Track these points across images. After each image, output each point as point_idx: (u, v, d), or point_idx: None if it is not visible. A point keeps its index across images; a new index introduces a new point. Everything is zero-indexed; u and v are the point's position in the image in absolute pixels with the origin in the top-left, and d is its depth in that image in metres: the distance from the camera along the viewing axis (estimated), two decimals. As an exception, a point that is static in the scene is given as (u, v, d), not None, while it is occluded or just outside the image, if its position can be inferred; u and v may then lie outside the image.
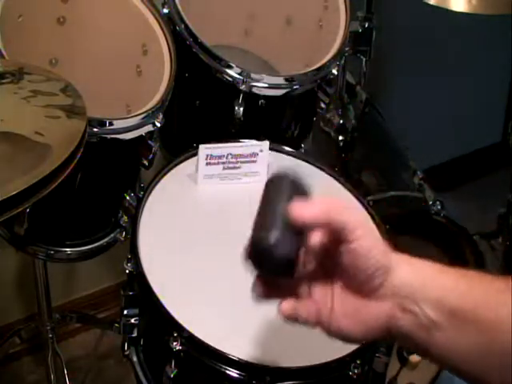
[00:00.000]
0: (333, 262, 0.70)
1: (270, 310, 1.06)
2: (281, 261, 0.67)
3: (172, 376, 1.04)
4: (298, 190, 0.70)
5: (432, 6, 1.22)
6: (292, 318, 0.71)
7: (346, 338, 0.72)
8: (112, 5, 1.31)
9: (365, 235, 0.68)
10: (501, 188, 1.58)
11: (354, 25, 1.44)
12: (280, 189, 0.70)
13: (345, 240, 0.67)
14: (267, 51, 1.52)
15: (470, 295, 0.68)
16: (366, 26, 1.46)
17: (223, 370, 0.99)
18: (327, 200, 0.68)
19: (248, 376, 0.99)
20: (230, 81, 1.26)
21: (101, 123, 1.13)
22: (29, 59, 1.13)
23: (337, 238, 0.68)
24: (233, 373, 0.99)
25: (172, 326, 1.01)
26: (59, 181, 0.89)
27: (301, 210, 0.67)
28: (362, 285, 0.69)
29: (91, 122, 1.08)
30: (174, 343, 1.00)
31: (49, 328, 1.57)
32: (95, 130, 1.12)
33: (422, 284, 0.69)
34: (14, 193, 0.83)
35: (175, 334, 1.01)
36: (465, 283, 0.69)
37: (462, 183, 2.26)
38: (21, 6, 1.21)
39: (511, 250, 1.58)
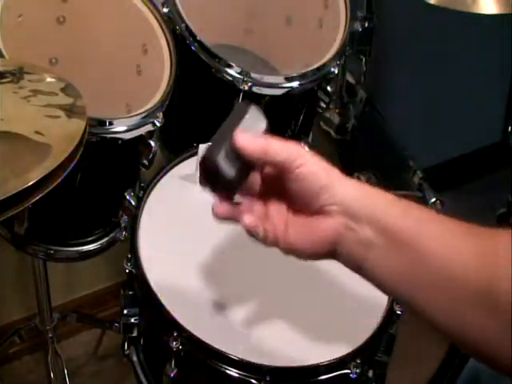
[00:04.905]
0: (281, 186, 0.76)
1: (270, 310, 1.06)
2: (223, 180, 0.74)
3: (172, 376, 1.04)
4: (255, 121, 0.78)
5: (432, 5, 1.22)
6: (253, 232, 0.76)
7: (297, 253, 0.76)
8: (112, 4, 1.31)
9: (305, 162, 0.73)
10: (501, 188, 1.58)
11: (354, 25, 1.44)
12: (239, 116, 0.77)
13: (287, 170, 0.74)
14: (267, 50, 1.52)
15: (403, 218, 0.72)
16: (366, 25, 1.46)
17: (223, 369, 0.99)
18: (264, 140, 0.75)
19: (248, 376, 0.99)
20: (229, 80, 1.26)
21: (101, 123, 1.13)
22: (29, 59, 1.13)
23: (279, 168, 0.74)
24: (233, 372, 0.99)
25: (172, 325, 1.01)
26: (59, 180, 0.89)
27: (243, 142, 0.74)
28: (309, 205, 0.75)
29: (91, 122, 1.08)
30: (174, 343, 1.00)
31: (49, 328, 1.57)
32: (95, 129, 1.12)
33: (363, 201, 0.73)
34: (14, 192, 0.83)
35: (175, 334, 1.01)
36: (400, 207, 0.73)
37: (462, 183, 2.26)
38: (21, 5, 1.21)
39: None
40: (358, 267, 0.74)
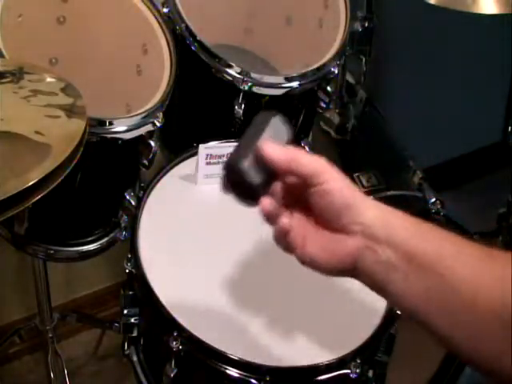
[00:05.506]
0: (303, 198, 0.75)
1: (270, 309, 1.06)
2: (246, 187, 0.74)
3: (172, 375, 1.04)
4: (279, 131, 0.77)
5: (432, 5, 1.22)
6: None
7: (315, 266, 0.76)
8: (112, 4, 1.31)
9: (330, 179, 0.73)
10: (501, 188, 1.58)
11: (354, 25, 1.44)
12: (264, 125, 0.76)
13: (312, 184, 0.73)
14: (267, 50, 1.52)
15: (424, 242, 0.72)
16: (366, 25, 1.46)
17: (223, 369, 0.99)
18: (292, 151, 0.74)
19: (248, 375, 0.99)
20: (229, 80, 1.26)
21: (101, 123, 1.13)
22: (29, 59, 1.13)
23: (304, 181, 0.74)
24: (233, 372, 0.99)
25: (172, 325, 1.01)
26: (59, 180, 0.89)
27: (269, 151, 0.73)
28: (331, 222, 0.74)
29: (91, 122, 1.08)
30: (174, 343, 1.00)
31: (49, 328, 1.57)
32: (95, 129, 1.12)
33: (384, 223, 0.73)
34: (14, 192, 0.83)
35: (175, 334, 1.01)
36: (421, 230, 0.73)
37: (461, 183, 2.26)
38: (21, 5, 1.21)
39: (511, 250, 1.58)
40: (380, 289, 0.74)
